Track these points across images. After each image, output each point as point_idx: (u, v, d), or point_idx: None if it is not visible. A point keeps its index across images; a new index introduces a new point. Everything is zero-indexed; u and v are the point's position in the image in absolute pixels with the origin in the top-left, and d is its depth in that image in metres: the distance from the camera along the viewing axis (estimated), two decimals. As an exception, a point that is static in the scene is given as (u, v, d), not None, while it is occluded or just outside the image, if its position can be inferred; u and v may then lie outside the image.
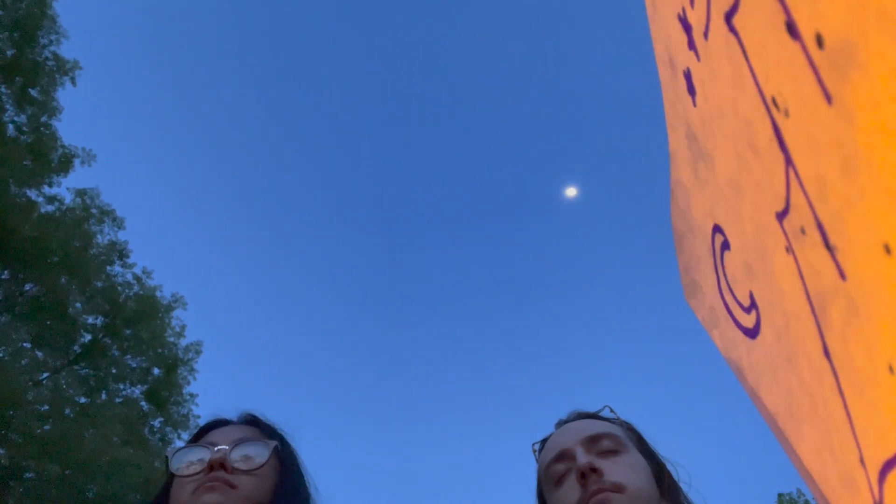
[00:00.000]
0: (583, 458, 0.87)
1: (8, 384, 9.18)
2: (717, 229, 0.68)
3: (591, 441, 0.91)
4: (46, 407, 10.57)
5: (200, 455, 0.94)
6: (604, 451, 0.90)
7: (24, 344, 11.02)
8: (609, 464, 0.87)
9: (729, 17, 0.48)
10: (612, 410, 1.04)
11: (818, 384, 0.46)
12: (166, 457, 0.97)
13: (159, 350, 12.80)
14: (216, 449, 0.93)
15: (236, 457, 0.94)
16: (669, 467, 0.95)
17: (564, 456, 0.91)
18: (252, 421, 1.06)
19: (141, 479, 10.43)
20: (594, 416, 1.03)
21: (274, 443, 0.99)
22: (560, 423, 1.03)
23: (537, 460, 1.01)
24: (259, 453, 0.96)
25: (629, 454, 0.90)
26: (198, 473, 0.91)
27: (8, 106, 10.61)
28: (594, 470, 0.85)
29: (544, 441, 1.02)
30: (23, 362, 10.27)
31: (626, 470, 0.86)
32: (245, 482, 0.91)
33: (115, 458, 10.24)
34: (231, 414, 1.07)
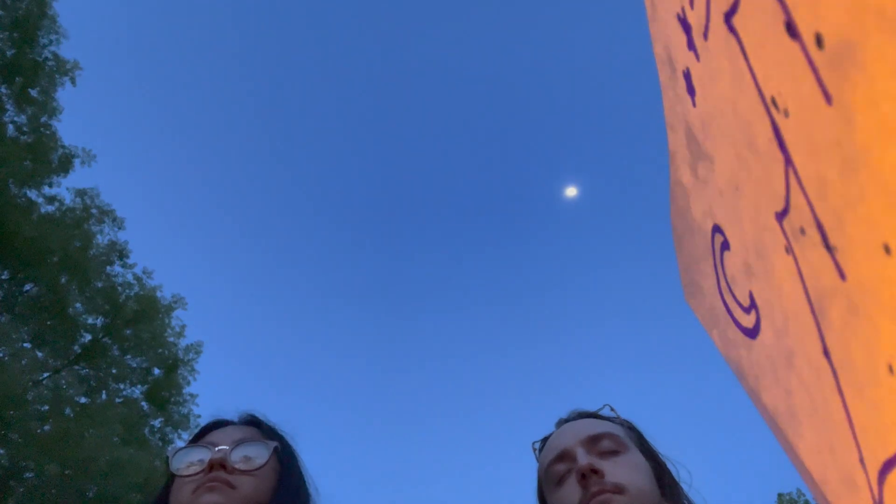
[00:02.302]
0: (583, 458, 0.87)
1: (8, 384, 9.17)
2: (716, 229, 0.68)
3: (592, 441, 0.91)
4: (46, 407, 10.57)
5: (200, 455, 0.94)
6: (604, 452, 0.89)
7: (24, 344, 11.02)
8: (610, 464, 0.86)
9: (728, 16, 0.48)
10: (612, 409, 1.04)
11: (818, 384, 0.46)
12: (166, 457, 0.97)
13: (159, 350, 12.80)
14: (216, 449, 0.93)
15: (236, 457, 0.94)
16: (670, 466, 0.95)
17: (565, 456, 0.91)
18: (252, 421, 1.06)
19: (141, 479, 10.42)
20: (594, 415, 1.02)
21: (274, 443, 0.99)
22: (560, 423, 1.02)
23: (538, 459, 1.01)
24: (259, 454, 0.96)
25: (630, 454, 0.90)
26: (198, 473, 0.91)
27: (8, 106, 10.61)
28: (595, 471, 0.84)
29: (545, 440, 1.01)
30: (23, 362, 10.26)
31: (626, 470, 0.86)
32: (245, 482, 0.91)
33: (115, 458, 10.23)
34: (231, 414, 1.07)
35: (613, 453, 0.89)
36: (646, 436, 0.99)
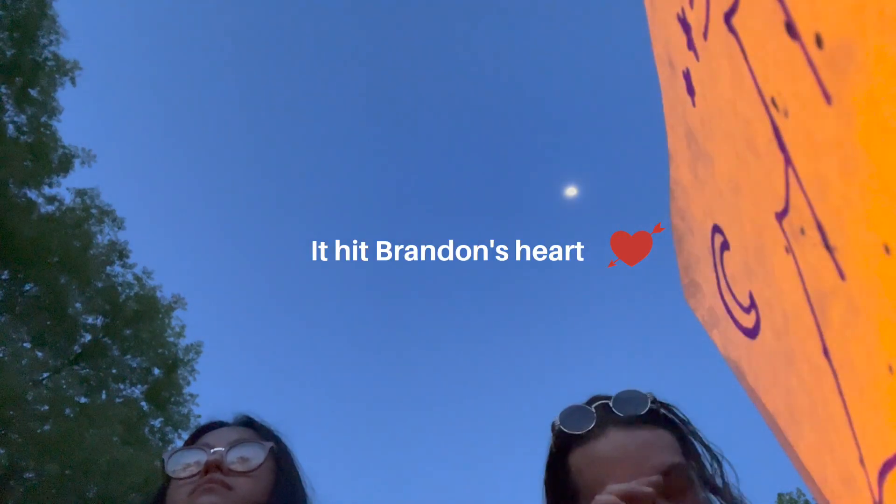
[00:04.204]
0: None
1: (8, 384, 9.18)
2: (716, 229, 0.68)
3: (664, 480, 0.77)
4: (46, 407, 10.57)
5: (196, 457, 0.94)
6: (675, 490, 0.77)
7: (24, 344, 11.02)
8: None
9: (728, 17, 0.48)
10: (655, 400, 0.88)
11: (818, 384, 0.46)
12: (162, 459, 0.97)
13: (159, 350, 12.81)
14: (212, 451, 0.93)
15: (232, 458, 0.94)
16: (708, 456, 0.86)
17: (630, 497, 0.75)
18: (248, 423, 1.06)
19: (141, 479, 10.43)
20: (645, 419, 0.86)
21: (270, 444, 0.99)
22: (603, 421, 0.85)
23: (556, 443, 0.88)
24: (255, 455, 0.96)
25: (696, 488, 0.79)
26: (194, 476, 0.91)
27: (8, 106, 10.61)
28: None
29: (569, 438, 0.86)
30: (23, 362, 10.26)
31: None
32: (241, 484, 0.92)
33: (115, 458, 10.24)
34: (227, 416, 1.07)
35: (683, 492, 0.77)
36: (694, 428, 0.88)
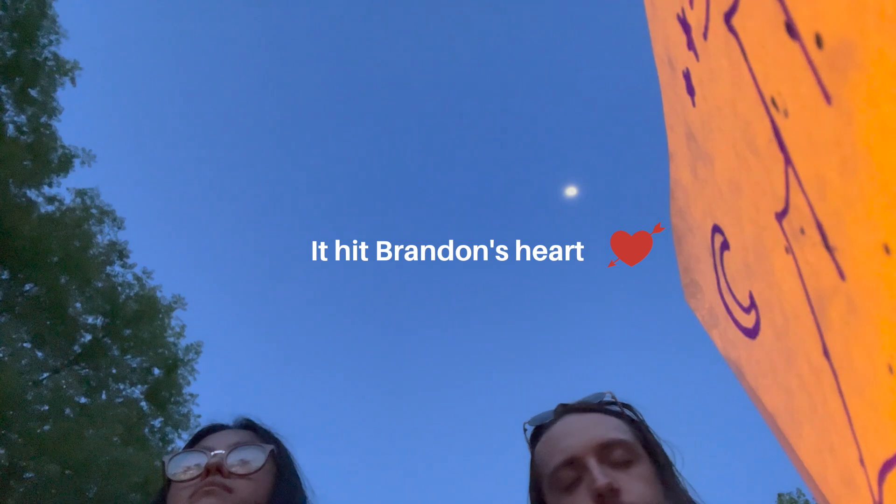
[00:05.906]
0: (599, 476, 0.82)
1: (8, 384, 9.18)
2: (716, 229, 0.68)
3: (604, 449, 0.86)
4: (46, 407, 10.57)
5: (197, 460, 0.94)
6: (617, 462, 0.85)
7: (24, 344, 11.02)
8: (624, 479, 0.83)
9: (728, 17, 0.48)
10: (613, 397, 0.98)
11: (818, 384, 0.46)
12: (163, 462, 0.97)
13: (159, 350, 12.80)
14: (213, 454, 0.93)
15: (233, 461, 0.94)
16: (668, 451, 0.92)
17: (574, 463, 0.86)
18: (248, 425, 1.06)
19: (141, 479, 10.43)
20: (600, 408, 0.97)
21: (270, 447, 0.99)
22: (560, 411, 0.97)
23: (529, 444, 0.97)
24: (255, 457, 0.96)
25: (641, 464, 0.86)
26: (194, 478, 0.91)
27: (8, 106, 10.61)
28: (612, 490, 0.81)
29: (539, 427, 0.97)
30: (23, 362, 10.27)
31: (640, 486, 0.83)
32: (242, 486, 0.92)
33: (115, 458, 10.24)
34: (227, 417, 1.07)
35: (626, 464, 0.85)
36: (646, 420, 0.95)
